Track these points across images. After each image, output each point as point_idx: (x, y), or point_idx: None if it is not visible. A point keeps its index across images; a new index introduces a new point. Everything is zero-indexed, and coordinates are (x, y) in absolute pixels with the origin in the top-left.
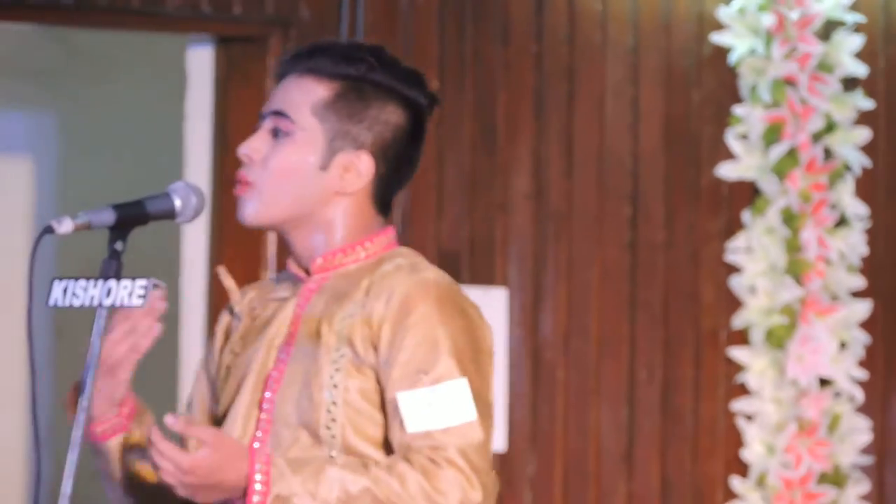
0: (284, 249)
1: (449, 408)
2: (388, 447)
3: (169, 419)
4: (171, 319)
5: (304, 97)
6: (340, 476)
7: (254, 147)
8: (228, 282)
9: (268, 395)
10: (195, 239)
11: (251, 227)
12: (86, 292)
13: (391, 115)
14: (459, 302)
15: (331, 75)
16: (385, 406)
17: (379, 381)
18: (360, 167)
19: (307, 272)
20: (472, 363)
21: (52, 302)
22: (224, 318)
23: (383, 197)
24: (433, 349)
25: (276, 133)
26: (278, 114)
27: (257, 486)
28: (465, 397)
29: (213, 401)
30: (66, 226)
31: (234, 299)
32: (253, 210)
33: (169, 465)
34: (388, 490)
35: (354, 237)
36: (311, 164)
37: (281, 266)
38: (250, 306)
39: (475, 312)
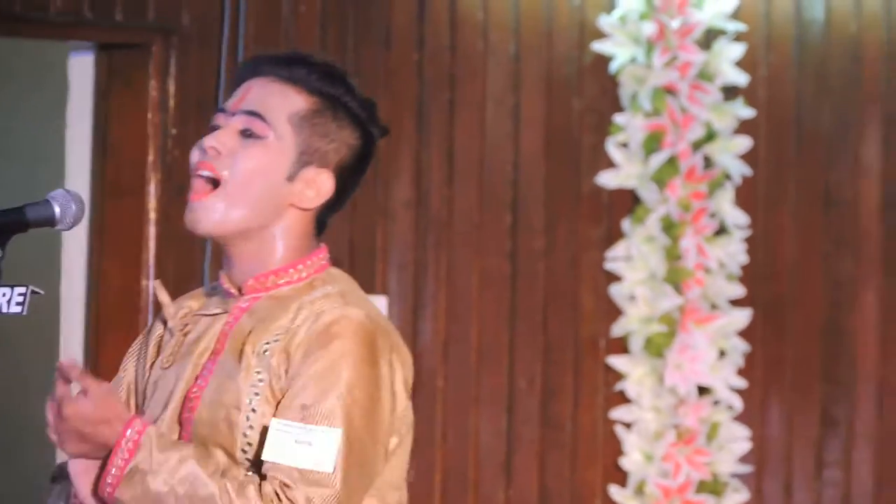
0: (164, 257)
1: (314, 452)
2: None
3: (66, 362)
4: (51, 327)
5: (282, 104)
6: (196, 474)
7: (221, 141)
8: (163, 296)
9: (187, 414)
10: (75, 246)
11: (207, 234)
12: None
13: (354, 141)
14: (375, 348)
15: (311, 89)
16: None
17: None
18: (321, 185)
19: (239, 290)
20: (363, 415)
21: None
22: (157, 329)
23: (324, 217)
24: (327, 387)
25: (246, 133)
26: (254, 114)
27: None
28: (332, 448)
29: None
30: None
31: (168, 314)
32: (217, 216)
33: (53, 404)
34: None
35: (288, 257)
36: (279, 173)
37: (162, 275)
38: (183, 322)
39: (389, 361)
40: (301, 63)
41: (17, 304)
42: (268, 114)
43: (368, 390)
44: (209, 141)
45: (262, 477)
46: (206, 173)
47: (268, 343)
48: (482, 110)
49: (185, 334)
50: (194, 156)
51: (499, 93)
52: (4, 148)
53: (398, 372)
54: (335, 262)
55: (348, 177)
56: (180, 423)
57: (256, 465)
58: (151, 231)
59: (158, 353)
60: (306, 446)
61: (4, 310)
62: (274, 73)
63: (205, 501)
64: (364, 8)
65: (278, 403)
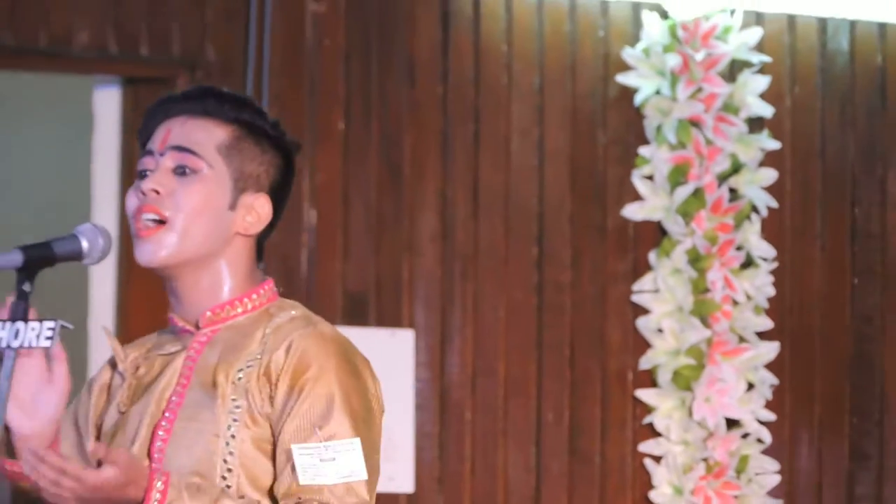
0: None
1: (340, 465)
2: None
3: (92, 446)
4: (79, 361)
5: (206, 137)
6: None
7: (160, 182)
8: (113, 341)
9: (158, 444)
10: (103, 280)
11: (159, 267)
12: None
13: (279, 161)
14: (354, 360)
15: (227, 118)
16: (276, 456)
17: (273, 432)
18: (260, 209)
19: (196, 326)
20: (364, 424)
21: None
22: (105, 373)
23: (262, 242)
24: (329, 406)
25: (180, 170)
26: (183, 150)
27: None
28: (357, 457)
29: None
30: None
31: (118, 358)
32: (168, 250)
33: (75, 485)
34: None
35: (239, 288)
36: (221, 203)
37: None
38: (134, 365)
39: (367, 371)
40: (211, 96)
41: (47, 338)
42: (197, 147)
43: (362, 399)
44: (147, 184)
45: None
46: (151, 216)
47: (241, 370)
48: (507, 143)
49: (139, 377)
50: (132, 201)
51: (523, 126)
52: (31, 182)
53: (376, 380)
54: (361, 296)
55: (281, 196)
56: (150, 458)
57: (236, 491)
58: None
59: (108, 398)
60: (331, 463)
61: (34, 344)
62: (187, 110)
63: None
64: (388, 41)
65: (268, 434)
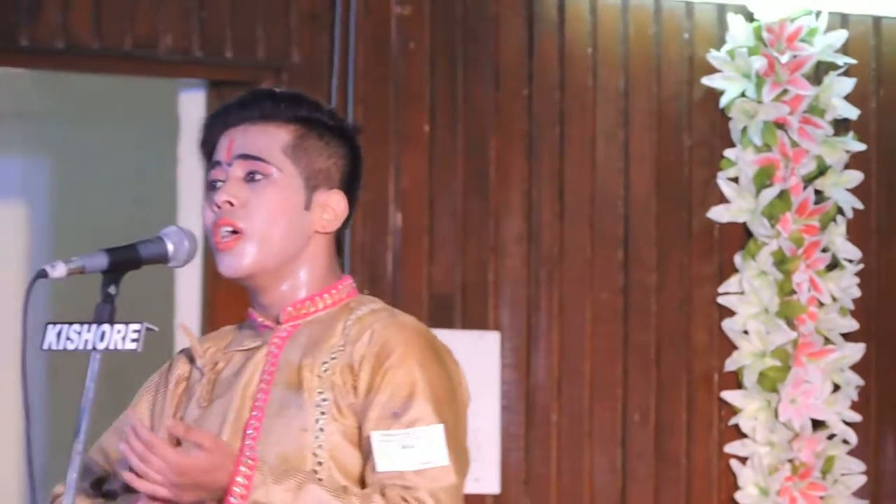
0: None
1: (422, 451)
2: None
3: (171, 423)
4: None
5: (270, 141)
6: (320, 495)
7: (232, 193)
8: (190, 336)
9: (248, 443)
10: (189, 282)
11: (244, 277)
12: (80, 336)
13: (344, 151)
14: (437, 348)
15: (287, 119)
16: (362, 445)
17: (358, 422)
18: (335, 206)
19: (276, 321)
20: (449, 410)
21: (45, 346)
22: (182, 366)
23: (340, 235)
24: (410, 393)
25: (250, 177)
26: (250, 158)
27: (237, 489)
28: (439, 442)
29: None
30: (59, 270)
31: (196, 354)
32: (252, 259)
33: (162, 464)
34: None
35: (319, 283)
36: (295, 205)
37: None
38: (212, 360)
39: (451, 360)
40: (265, 99)
41: (133, 340)
42: (263, 153)
43: (445, 385)
44: (221, 196)
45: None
46: (227, 229)
47: (325, 363)
48: (592, 146)
49: (218, 372)
50: (208, 215)
51: (608, 128)
52: (116, 185)
53: (461, 371)
54: (447, 299)
55: (353, 186)
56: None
57: (330, 483)
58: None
59: (186, 393)
60: (412, 449)
61: (120, 346)
62: (245, 117)
63: None
64: (473, 45)
65: (355, 425)
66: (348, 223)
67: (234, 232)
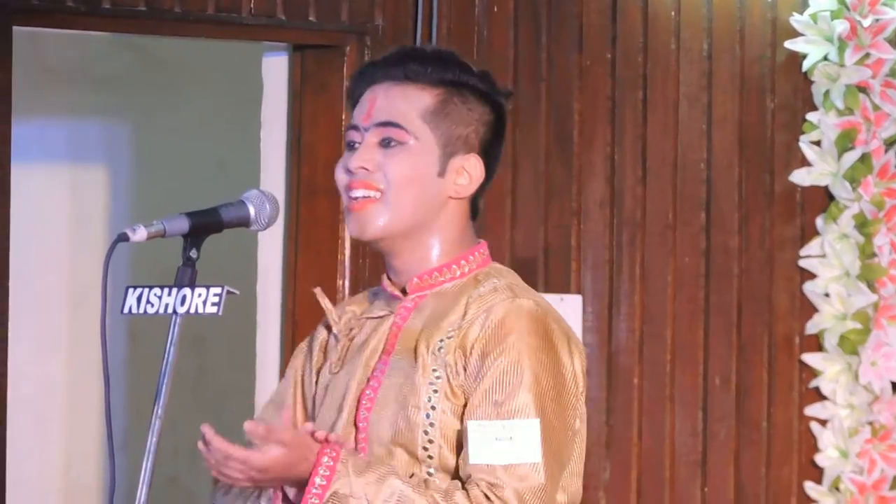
0: (359, 258)
1: (516, 445)
2: None
3: (248, 426)
4: (248, 327)
5: (410, 105)
6: (401, 489)
7: (366, 158)
8: (325, 302)
9: (363, 413)
10: (271, 246)
11: (374, 239)
12: (160, 300)
13: (486, 116)
14: (550, 334)
15: (432, 81)
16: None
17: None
18: (472, 171)
19: (403, 291)
20: (553, 402)
21: (126, 310)
22: (321, 335)
23: (477, 200)
24: (515, 382)
25: (385, 143)
26: (389, 124)
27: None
28: (533, 438)
29: (303, 414)
30: (140, 234)
31: (331, 319)
32: (383, 222)
33: (242, 467)
34: None
35: (450, 253)
36: (430, 172)
37: (357, 275)
38: (348, 326)
39: (565, 348)
40: (413, 59)
41: (213, 304)
42: (401, 120)
43: (553, 378)
44: (355, 162)
45: (456, 477)
46: (362, 192)
47: (441, 340)
48: (675, 109)
49: (351, 339)
50: (341, 177)
51: (691, 92)
52: (199, 149)
53: (576, 357)
54: (529, 262)
55: (493, 152)
56: (356, 425)
57: (439, 462)
58: (346, 231)
59: (325, 358)
60: (507, 442)
61: (200, 310)
62: (390, 76)
63: None
64: (557, 8)
65: (464, 405)
66: (485, 187)
67: (367, 196)
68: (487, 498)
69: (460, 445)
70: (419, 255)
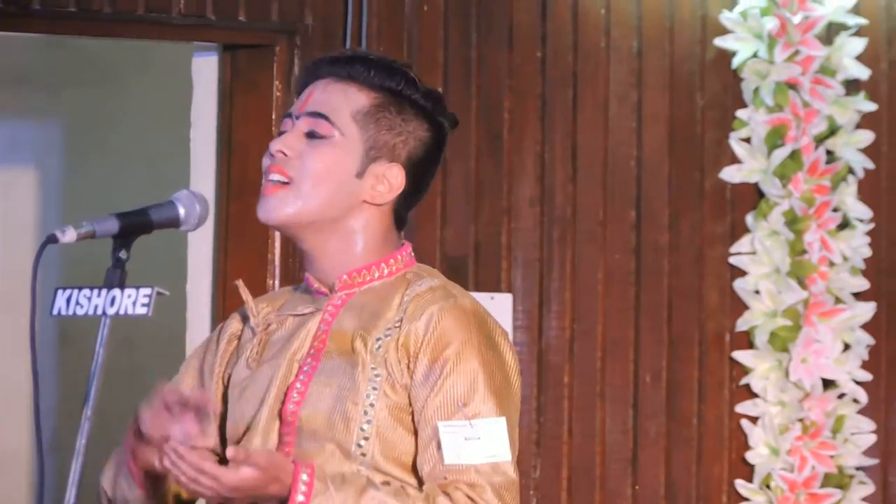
0: (289, 257)
1: (485, 445)
2: (413, 469)
3: (230, 452)
4: (177, 327)
5: (345, 103)
6: (382, 499)
7: (288, 144)
8: (246, 295)
9: (291, 407)
10: (201, 246)
11: (279, 225)
12: (89, 301)
13: (423, 133)
14: (492, 334)
15: (372, 85)
16: (417, 430)
17: (410, 402)
18: (392, 180)
19: (330, 289)
20: (508, 402)
21: (55, 311)
22: (235, 324)
23: (402, 211)
24: (473, 383)
25: (312, 135)
26: (318, 115)
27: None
28: (502, 436)
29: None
30: (69, 235)
31: (251, 313)
32: (289, 209)
33: (213, 484)
34: None
35: (375, 252)
36: (348, 170)
37: (287, 274)
38: (266, 321)
39: (506, 345)
40: (360, 61)
41: (143, 305)
42: (331, 114)
43: (502, 375)
44: (276, 145)
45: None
46: (276, 177)
47: (379, 339)
48: (605, 107)
49: (269, 333)
50: (264, 161)
51: (621, 90)
52: (129, 149)
53: (514, 354)
54: (460, 261)
55: (421, 169)
56: (281, 419)
57: (371, 459)
58: (276, 231)
59: (237, 351)
60: (476, 441)
61: (130, 311)
62: (334, 73)
63: None
64: (487, 7)
65: (407, 406)
66: (412, 201)
67: (283, 182)
68: (470, 499)
69: (396, 445)
70: (338, 253)
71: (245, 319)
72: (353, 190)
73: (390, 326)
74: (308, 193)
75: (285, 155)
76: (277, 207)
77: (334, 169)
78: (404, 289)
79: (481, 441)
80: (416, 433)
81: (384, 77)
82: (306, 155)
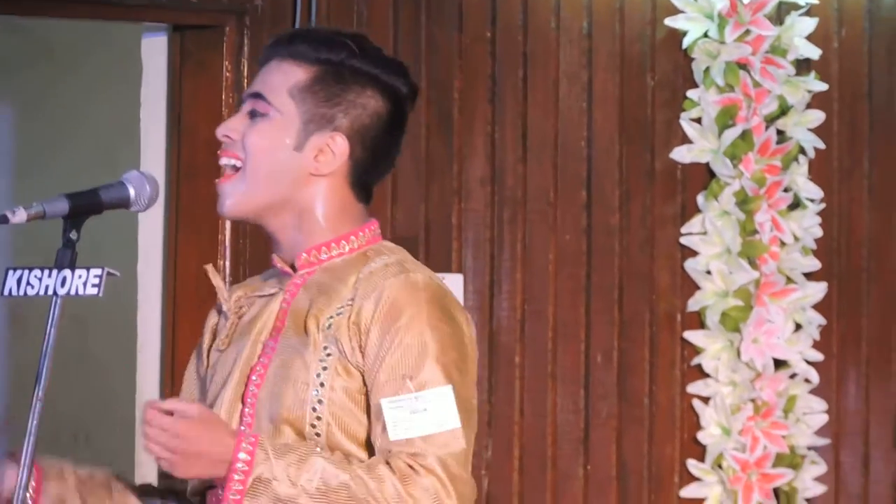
0: (240, 238)
1: (432, 415)
2: (370, 448)
3: (147, 404)
4: (128, 308)
5: (282, 80)
6: (323, 467)
7: (231, 127)
8: (217, 280)
9: (252, 389)
10: (151, 227)
11: (235, 217)
12: (40, 282)
13: (369, 101)
14: (448, 306)
15: (311, 60)
16: (369, 408)
17: (365, 383)
18: (335, 148)
19: (292, 267)
20: (458, 370)
21: (5, 291)
22: (212, 318)
23: (362, 182)
24: (420, 355)
25: (252, 114)
26: (256, 96)
27: (239, 465)
28: (449, 405)
29: (202, 398)
30: (19, 216)
31: (221, 297)
32: (237, 196)
33: (157, 431)
34: (365, 489)
35: (335, 228)
36: (285, 145)
37: (238, 254)
38: (237, 305)
39: (462, 317)
40: (301, 38)
41: (94, 285)
42: (269, 93)
43: (456, 348)
44: (221, 130)
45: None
46: (225, 161)
47: (331, 318)
48: (555, 88)
49: (240, 316)
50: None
51: (571, 70)
52: (79, 130)
53: (471, 326)
54: (410, 241)
55: (374, 137)
56: (242, 402)
57: (326, 439)
58: None
59: (214, 338)
60: (423, 413)
61: (81, 292)
62: (279, 54)
63: (339, 491)
64: None
65: (362, 385)
66: (374, 174)
67: (236, 167)
68: (411, 467)
69: (351, 427)
70: (299, 231)
71: (220, 311)
72: (295, 164)
73: (342, 305)
74: (252, 174)
75: (230, 138)
76: (228, 196)
77: (271, 145)
78: (362, 266)
79: (428, 412)
80: (369, 411)
81: (323, 50)
82: (246, 135)
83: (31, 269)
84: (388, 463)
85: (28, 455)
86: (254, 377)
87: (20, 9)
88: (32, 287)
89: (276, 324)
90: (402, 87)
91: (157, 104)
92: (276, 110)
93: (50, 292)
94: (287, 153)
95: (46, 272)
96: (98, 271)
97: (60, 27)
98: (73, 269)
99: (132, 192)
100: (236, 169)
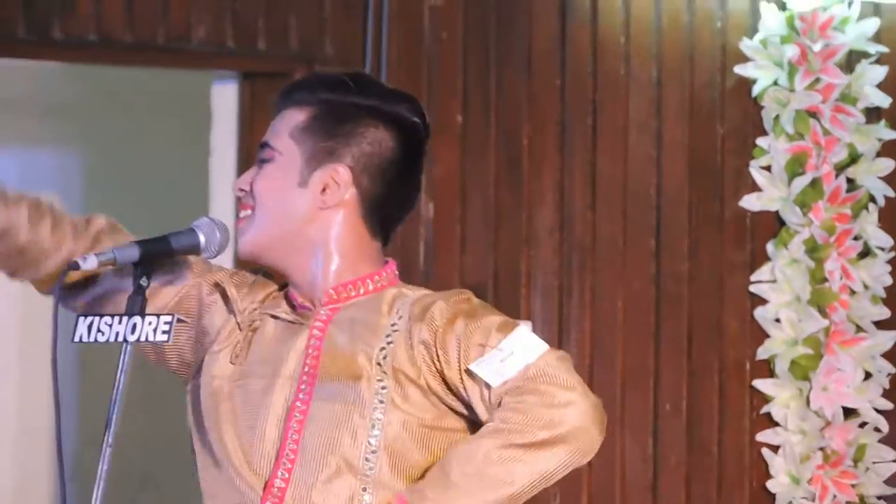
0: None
1: (520, 354)
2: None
3: None
4: None
5: (284, 125)
6: (465, 451)
7: (243, 181)
8: (231, 290)
9: (294, 425)
10: None
11: (249, 257)
12: (111, 328)
13: (369, 129)
14: (486, 304)
15: (310, 102)
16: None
17: (427, 397)
18: (338, 179)
19: (312, 303)
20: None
21: (76, 338)
22: (222, 304)
23: (377, 216)
24: (479, 326)
25: (260, 163)
26: (263, 145)
27: None
28: (531, 338)
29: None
30: (90, 262)
31: (235, 308)
32: (249, 235)
33: None
34: (507, 440)
35: (355, 264)
36: (290, 183)
37: None
38: (251, 318)
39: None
40: (302, 84)
41: (164, 332)
42: (271, 139)
43: (499, 315)
44: (235, 185)
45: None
46: (242, 213)
47: (383, 349)
48: (625, 135)
49: (253, 330)
50: None
51: (641, 118)
52: (149, 177)
53: None
54: (479, 288)
55: (384, 169)
56: (282, 437)
57: (378, 474)
58: None
59: (224, 338)
60: (511, 357)
61: (151, 338)
62: (284, 104)
63: (486, 460)
64: (506, 34)
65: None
66: (391, 209)
67: (244, 216)
68: (536, 387)
69: (407, 457)
70: (318, 268)
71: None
72: (302, 200)
73: (388, 333)
74: (261, 216)
75: (244, 191)
76: (242, 235)
77: (276, 185)
78: (390, 300)
79: (515, 354)
80: (427, 446)
81: (321, 91)
82: (254, 182)
83: (101, 316)
84: (500, 406)
85: (98, 501)
86: (296, 413)
87: (91, 57)
88: (103, 334)
89: (307, 361)
90: (406, 113)
91: (227, 151)
92: (278, 153)
93: (120, 339)
94: (293, 191)
95: (117, 319)
96: (168, 318)
97: (132, 74)
98: (143, 315)
99: (202, 238)
100: (245, 217)
